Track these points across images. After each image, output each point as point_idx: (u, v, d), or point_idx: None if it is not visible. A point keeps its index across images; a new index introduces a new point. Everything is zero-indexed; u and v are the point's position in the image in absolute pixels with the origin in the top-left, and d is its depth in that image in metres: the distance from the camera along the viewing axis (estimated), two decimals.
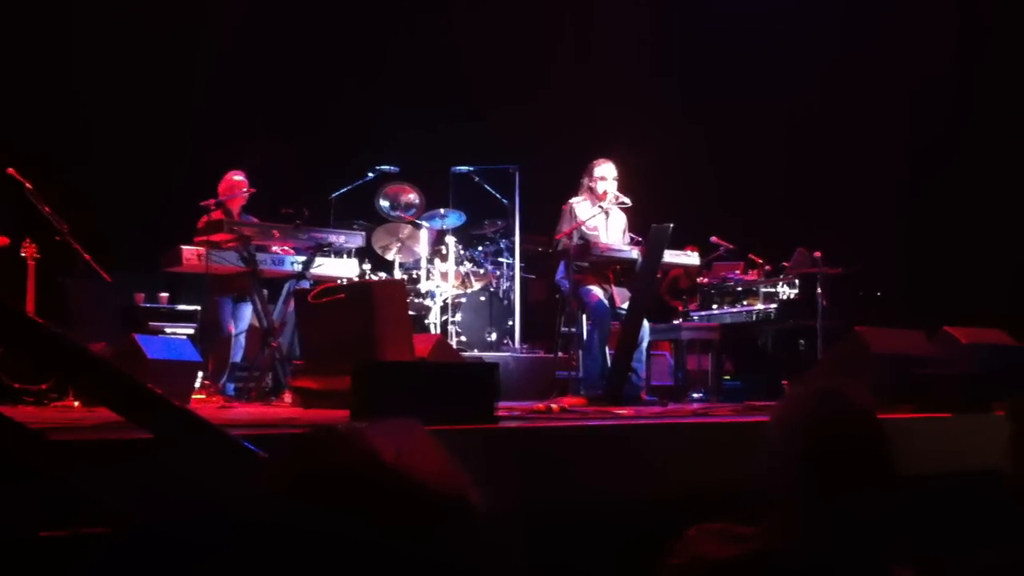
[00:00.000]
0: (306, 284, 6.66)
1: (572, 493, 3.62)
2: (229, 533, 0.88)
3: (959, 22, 9.53)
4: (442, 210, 8.23)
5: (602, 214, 6.98)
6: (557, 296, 7.38)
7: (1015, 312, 7.57)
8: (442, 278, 7.96)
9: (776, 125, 10.28)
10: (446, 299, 7.95)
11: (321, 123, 9.87)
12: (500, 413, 4.20)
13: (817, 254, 7.80)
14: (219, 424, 2.71)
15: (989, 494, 2.52)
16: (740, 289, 8.57)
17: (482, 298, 8.48)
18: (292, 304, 6.60)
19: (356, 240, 7.15)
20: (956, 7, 9.60)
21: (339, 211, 8.21)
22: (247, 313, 7.21)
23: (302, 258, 6.86)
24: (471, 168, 8.40)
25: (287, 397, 6.19)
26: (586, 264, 6.82)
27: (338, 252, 7.10)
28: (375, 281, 7.58)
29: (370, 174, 8.26)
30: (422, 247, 8.08)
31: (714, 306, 8.69)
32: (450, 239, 8.09)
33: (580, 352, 7.04)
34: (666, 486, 3.84)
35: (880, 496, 1.81)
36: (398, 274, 8.11)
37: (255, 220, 7.19)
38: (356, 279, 7.19)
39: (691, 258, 7.18)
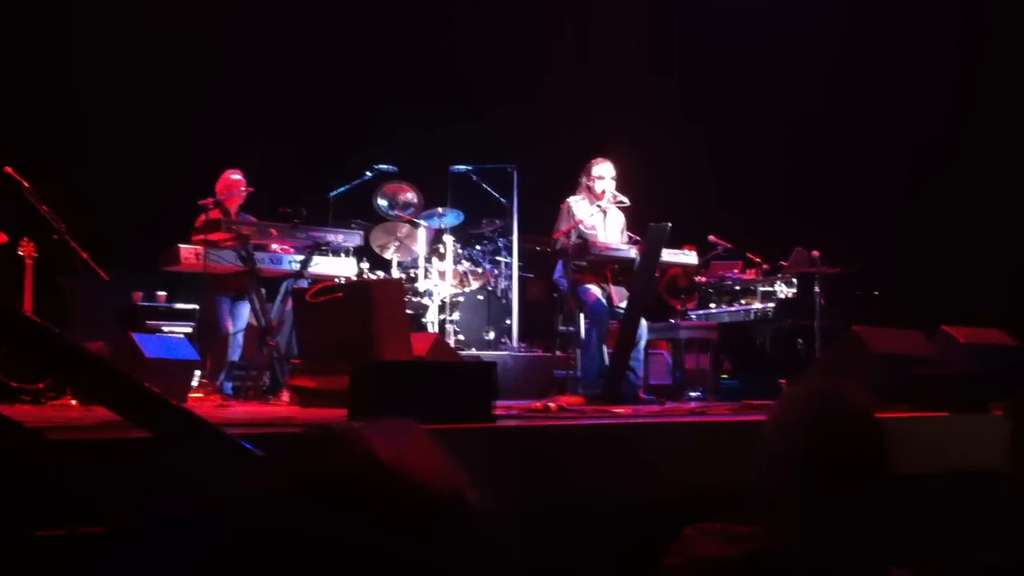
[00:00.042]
0: (304, 283, 6.65)
1: (570, 492, 3.62)
2: (227, 533, 0.88)
3: (959, 22, 9.53)
4: (440, 209, 8.22)
5: (600, 213, 6.98)
6: (555, 295, 7.38)
7: (1015, 312, 7.57)
8: (440, 277, 7.96)
9: (776, 125, 10.28)
10: (444, 298, 7.94)
11: (320, 122, 9.86)
12: (498, 412, 4.19)
13: (815, 253, 7.80)
14: (216, 423, 2.71)
15: (986, 494, 2.52)
16: (738, 288, 8.58)
17: (480, 297, 8.48)
18: (290, 303, 6.60)
19: (354, 239, 7.15)
20: (956, 7, 9.60)
21: (337, 210, 8.20)
22: (245, 312, 7.20)
23: (300, 257, 6.85)
24: (469, 167, 8.38)
25: (285, 396, 6.19)
26: (584, 263, 6.82)
27: (336, 251, 7.10)
28: (373, 280, 7.57)
29: (368, 173, 8.25)
30: (420, 246, 8.07)
31: (712, 305, 8.69)
32: (448, 238, 8.09)
33: (578, 351, 7.04)
34: (664, 485, 3.84)
35: (880, 496, 1.81)
36: (396, 273, 8.11)
37: (253, 219, 7.19)
38: (354, 278, 7.19)
39: (689, 257, 7.18)
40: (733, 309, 8.46)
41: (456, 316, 8.09)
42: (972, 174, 9.38)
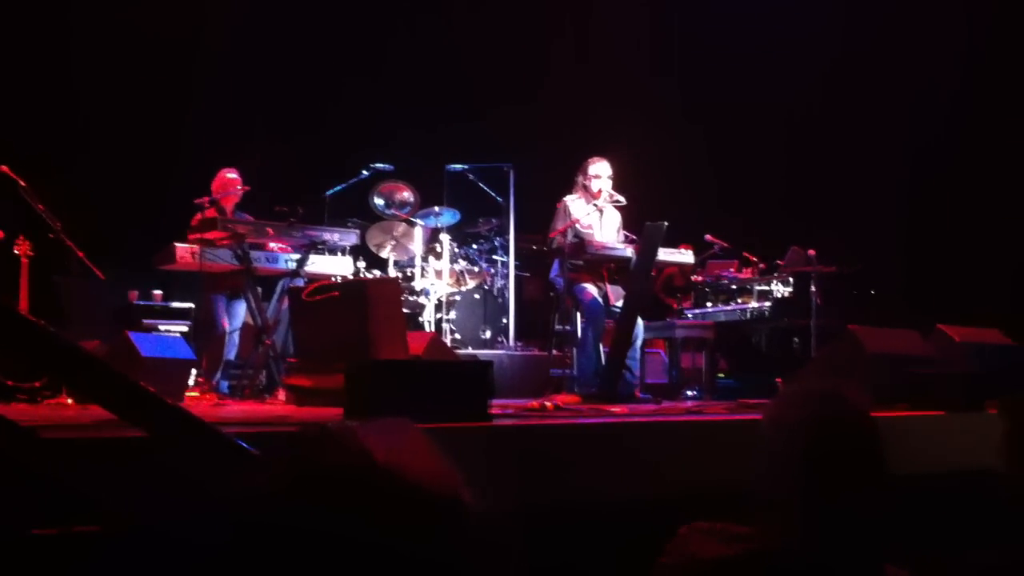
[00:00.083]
0: (300, 282, 6.65)
1: (566, 491, 3.62)
2: (223, 532, 0.87)
3: (959, 22, 9.53)
4: (436, 208, 8.21)
5: (596, 212, 6.98)
6: (551, 294, 7.38)
7: (1014, 312, 7.57)
8: (436, 276, 7.95)
9: (776, 125, 10.28)
10: (440, 297, 7.94)
11: (319, 122, 9.86)
12: (494, 411, 4.19)
13: (811, 252, 7.80)
14: (213, 422, 2.70)
15: (983, 493, 2.52)
16: (734, 287, 8.58)
17: (476, 296, 8.48)
18: (286, 302, 6.59)
19: (350, 238, 7.14)
20: (956, 7, 9.60)
21: (333, 209, 8.19)
22: (241, 311, 7.19)
23: (296, 256, 6.85)
24: (466, 166, 8.37)
25: (281, 395, 6.19)
26: (580, 262, 6.82)
27: (332, 250, 7.10)
28: (369, 279, 7.57)
29: (365, 172, 8.24)
30: (416, 245, 8.07)
31: (708, 304, 8.69)
32: (444, 237, 8.08)
33: (574, 350, 7.05)
34: (660, 484, 3.84)
35: (879, 496, 1.81)
36: (392, 272, 8.11)
37: (249, 218, 7.18)
38: (350, 277, 7.18)
39: (685, 256, 7.19)
40: (729, 308, 8.46)
41: (452, 315, 8.09)
42: (972, 174, 9.38)
